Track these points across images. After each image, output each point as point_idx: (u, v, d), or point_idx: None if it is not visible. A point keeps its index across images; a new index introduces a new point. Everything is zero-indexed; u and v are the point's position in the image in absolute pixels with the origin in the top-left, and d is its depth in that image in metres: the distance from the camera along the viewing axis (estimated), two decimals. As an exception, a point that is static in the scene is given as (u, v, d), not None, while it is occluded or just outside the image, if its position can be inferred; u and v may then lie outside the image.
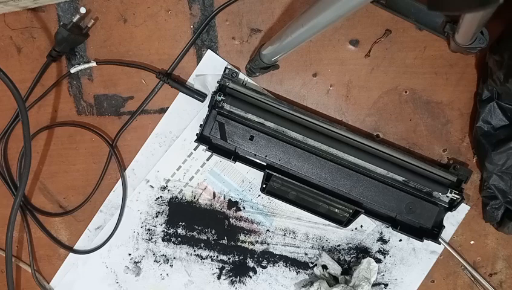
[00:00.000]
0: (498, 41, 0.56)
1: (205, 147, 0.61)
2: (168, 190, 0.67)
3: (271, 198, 0.66)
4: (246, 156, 0.64)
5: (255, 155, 0.62)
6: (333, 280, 0.65)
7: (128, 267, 0.69)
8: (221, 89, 0.62)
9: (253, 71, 0.60)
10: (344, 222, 0.64)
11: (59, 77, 0.65)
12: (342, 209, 0.64)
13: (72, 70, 0.64)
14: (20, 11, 0.63)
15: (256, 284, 0.68)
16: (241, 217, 0.67)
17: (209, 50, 0.64)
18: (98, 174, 0.67)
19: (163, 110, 0.65)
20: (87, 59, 0.64)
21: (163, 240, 0.68)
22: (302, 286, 0.67)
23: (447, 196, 0.61)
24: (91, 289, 0.70)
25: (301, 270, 0.68)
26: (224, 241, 0.68)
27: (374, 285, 0.66)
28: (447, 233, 0.65)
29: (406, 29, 0.62)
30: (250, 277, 0.68)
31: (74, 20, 0.60)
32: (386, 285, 0.67)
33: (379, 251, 0.67)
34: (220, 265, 0.68)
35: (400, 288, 0.67)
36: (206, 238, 0.68)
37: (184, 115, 0.65)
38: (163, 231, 0.68)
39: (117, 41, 0.64)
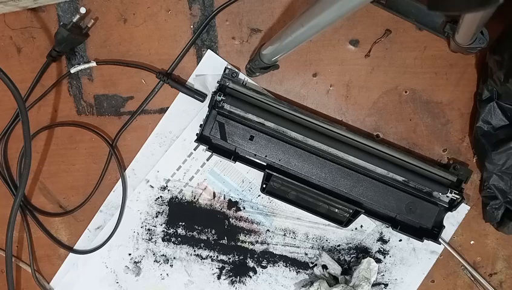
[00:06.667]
0: (499, 41, 0.56)
1: (205, 147, 0.61)
2: (168, 190, 0.67)
3: (271, 198, 0.66)
4: (246, 156, 0.64)
5: (255, 155, 0.62)
6: (333, 280, 0.65)
7: (128, 267, 0.69)
8: (221, 89, 0.62)
9: (253, 71, 0.60)
10: (344, 222, 0.64)
11: (59, 77, 0.65)
12: (342, 209, 0.64)
13: (72, 70, 0.64)
14: (20, 11, 0.63)
15: (256, 284, 0.68)
16: (241, 217, 0.67)
17: (209, 50, 0.64)
18: (98, 174, 0.67)
19: (163, 110, 0.65)
20: (87, 59, 0.64)
21: (163, 240, 0.68)
22: (302, 286, 0.67)
23: (447, 196, 0.61)
24: (91, 289, 0.70)
25: (301, 270, 0.68)
26: (224, 241, 0.68)
27: (374, 285, 0.66)
28: (447, 233, 0.65)
29: (406, 29, 0.62)
30: (250, 277, 0.68)
31: (74, 20, 0.60)
32: (386, 285, 0.67)
33: (379, 251, 0.67)
34: (220, 265, 0.68)
35: (400, 288, 0.67)
36: (206, 238, 0.68)
37: (184, 115, 0.65)
38: (163, 231, 0.68)
39: (117, 41, 0.64)
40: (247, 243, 0.67)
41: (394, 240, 0.66)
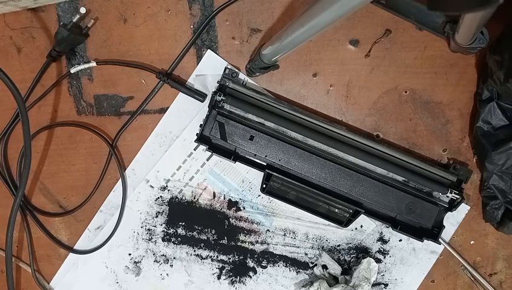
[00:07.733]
0: (499, 41, 0.56)
1: (205, 147, 0.61)
2: (168, 190, 0.67)
3: (271, 198, 0.66)
4: (246, 156, 0.64)
5: (255, 155, 0.62)
6: (333, 280, 0.65)
7: (128, 267, 0.69)
8: (221, 89, 0.62)
9: (253, 71, 0.60)
10: (344, 222, 0.64)
11: (59, 77, 0.65)
12: (342, 209, 0.64)
13: (72, 70, 0.64)
14: (20, 11, 0.63)
15: (256, 284, 0.68)
16: (241, 217, 0.67)
17: (209, 50, 0.64)
18: (98, 174, 0.67)
19: (163, 110, 0.65)
20: (87, 59, 0.64)
21: (163, 240, 0.68)
22: (302, 286, 0.67)
23: (447, 196, 0.61)
24: (91, 289, 0.70)
25: (301, 270, 0.68)
26: (224, 241, 0.68)
27: (374, 285, 0.66)
28: (447, 233, 0.65)
29: (406, 29, 0.62)
30: (250, 277, 0.68)
31: (74, 20, 0.60)
32: (386, 285, 0.67)
33: (379, 251, 0.67)
34: (220, 265, 0.68)
35: (400, 288, 0.67)
36: (206, 238, 0.68)
37: (184, 115, 0.65)
38: (163, 231, 0.68)
39: (117, 41, 0.64)
40: (247, 243, 0.67)
41: (394, 240, 0.66)
